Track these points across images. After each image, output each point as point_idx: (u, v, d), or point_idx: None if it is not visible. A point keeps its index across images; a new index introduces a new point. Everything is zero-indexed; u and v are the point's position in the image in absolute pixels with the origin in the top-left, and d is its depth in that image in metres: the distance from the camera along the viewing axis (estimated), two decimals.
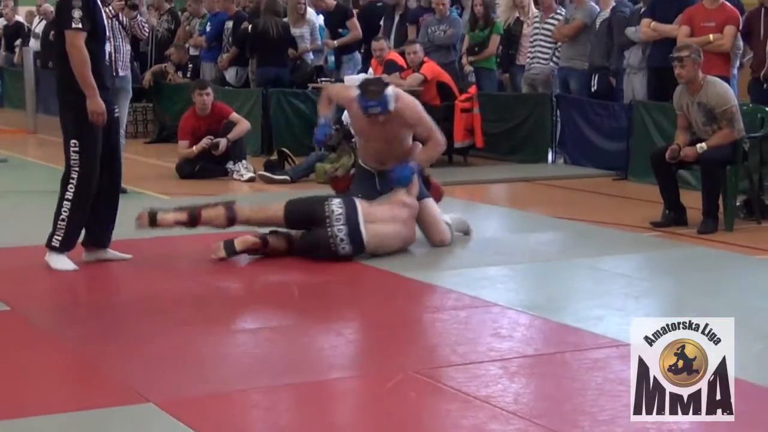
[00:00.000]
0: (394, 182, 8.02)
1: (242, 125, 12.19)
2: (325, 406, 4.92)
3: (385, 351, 5.69)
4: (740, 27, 10.72)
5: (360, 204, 7.69)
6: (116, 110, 7.63)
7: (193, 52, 16.41)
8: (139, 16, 11.18)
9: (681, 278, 7.33)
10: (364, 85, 8.02)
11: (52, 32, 19.27)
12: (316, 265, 7.45)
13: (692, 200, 9.15)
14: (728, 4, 10.83)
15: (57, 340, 5.82)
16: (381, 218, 7.71)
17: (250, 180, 11.78)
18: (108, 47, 8.77)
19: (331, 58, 14.86)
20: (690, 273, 7.43)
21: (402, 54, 13.30)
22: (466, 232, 8.51)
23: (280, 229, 7.77)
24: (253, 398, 4.90)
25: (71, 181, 7.28)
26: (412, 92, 12.51)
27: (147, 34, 12.16)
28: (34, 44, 20.39)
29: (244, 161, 12.00)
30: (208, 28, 15.78)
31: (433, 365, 5.29)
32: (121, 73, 10.54)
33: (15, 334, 5.92)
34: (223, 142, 11.91)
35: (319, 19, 14.86)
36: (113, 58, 10.22)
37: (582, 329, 5.89)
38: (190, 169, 11.97)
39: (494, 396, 4.81)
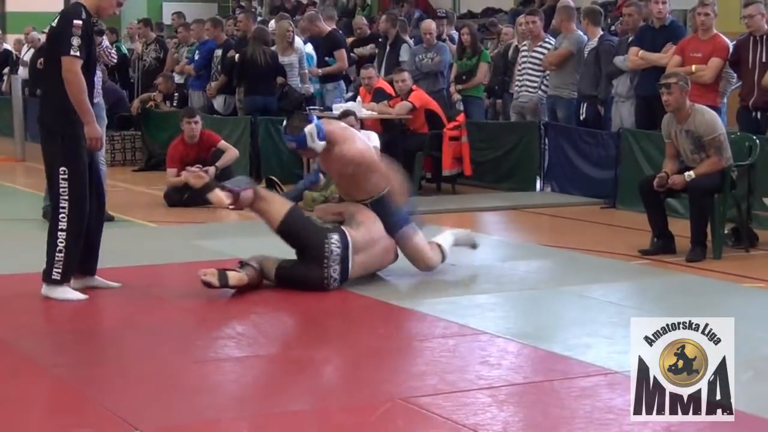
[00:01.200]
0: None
1: (231, 153, 12.20)
2: None
3: (373, 379, 5.67)
4: (728, 58, 10.74)
5: (350, 236, 7.55)
6: None
7: (178, 80, 16.40)
8: (105, 41, 11.14)
9: (669, 306, 7.31)
10: (289, 118, 8.05)
11: (40, 60, 19.39)
12: (303, 293, 7.41)
13: (680, 228, 9.15)
14: (720, 36, 10.85)
15: (45, 368, 5.78)
16: (365, 245, 7.62)
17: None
18: (97, 79, 8.70)
19: (316, 86, 14.88)
20: (678, 301, 7.43)
21: (390, 82, 13.33)
22: (473, 246, 8.46)
23: (269, 256, 7.68)
24: (241, 427, 4.87)
25: (62, 210, 7.11)
26: (400, 120, 12.71)
27: (115, 60, 12.11)
28: (22, 72, 20.35)
29: None
30: (196, 56, 15.79)
31: (421, 393, 5.27)
32: (95, 100, 10.49)
33: (2, 362, 5.88)
34: (211, 170, 11.89)
35: (307, 47, 14.86)
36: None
37: (570, 357, 5.88)
38: (179, 197, 11.95)
39: (483, 424, 4.79)
